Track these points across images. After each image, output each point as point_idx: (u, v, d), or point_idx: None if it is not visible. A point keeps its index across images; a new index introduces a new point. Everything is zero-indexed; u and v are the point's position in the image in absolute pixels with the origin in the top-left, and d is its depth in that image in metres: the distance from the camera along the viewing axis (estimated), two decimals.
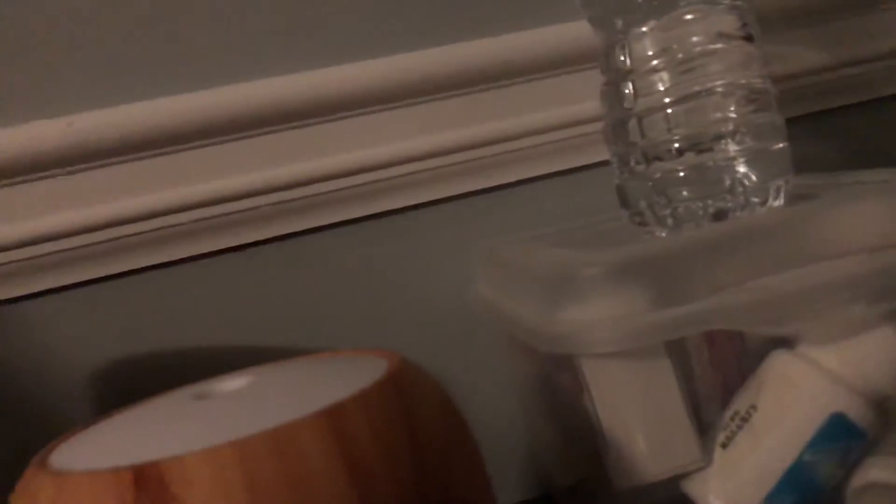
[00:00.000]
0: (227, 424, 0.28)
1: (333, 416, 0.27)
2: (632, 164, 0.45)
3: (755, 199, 0.43)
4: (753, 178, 0.44)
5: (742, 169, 0.44)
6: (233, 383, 0.34)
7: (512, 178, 0.53)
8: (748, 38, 0.44)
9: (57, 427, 0.47)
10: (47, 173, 0.46)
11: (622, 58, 0.44)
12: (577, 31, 0.52)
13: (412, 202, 0.51)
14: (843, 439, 0.36)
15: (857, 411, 0.36)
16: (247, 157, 0.47)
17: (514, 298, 0.44)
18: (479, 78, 0.51)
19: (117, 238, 0.46)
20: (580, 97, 0.53)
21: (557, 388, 0.43)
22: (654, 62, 0.43)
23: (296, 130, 0.48)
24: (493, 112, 0.52)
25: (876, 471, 0.37)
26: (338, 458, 0.26)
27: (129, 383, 0.48)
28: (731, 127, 0.43)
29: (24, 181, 0.46)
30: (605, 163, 0.52)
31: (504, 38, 0.52)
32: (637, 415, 0.38)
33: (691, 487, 0.39)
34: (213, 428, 0.28)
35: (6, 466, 0.39)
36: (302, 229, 0.50)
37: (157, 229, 0.47)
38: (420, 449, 0.29)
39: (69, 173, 0.46)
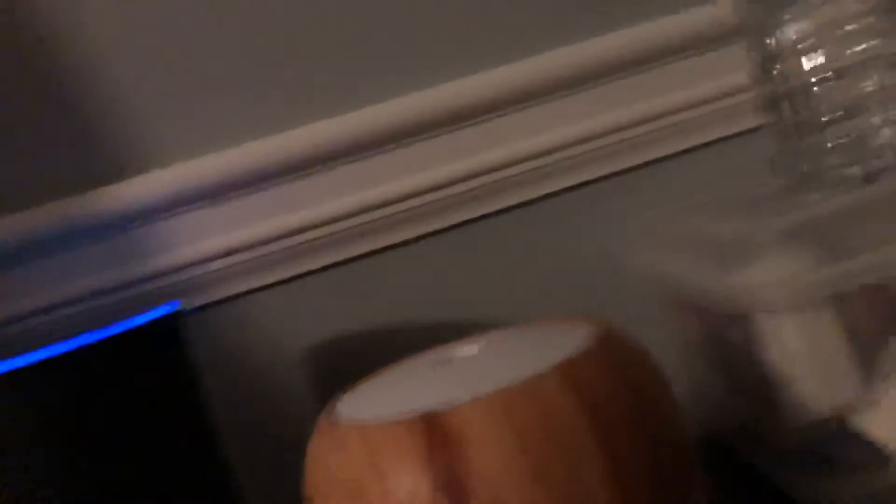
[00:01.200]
0: (479, 379, 0.35)
1: (569, 369, 0.34)
2: (786, 133, 0.50)
3: None
4: None
5: (889, 133, 0.48)
6: (465, 349, 0.41)
7: (670, 151, 0.59)
8: (892, 10, 0.48)
9: (296, 401, 0.56)
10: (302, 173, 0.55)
11: (775, 32, 0.49)
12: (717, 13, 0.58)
13: (585, 179, 0.58)
14: None
15: None
16: (457, 147, 0.55)
17: (684, 264, 0.50)
18: (638, 60, 0.57)
19: (340, 231, 0.55)
20: (729, 70, 0.58)
21: (728, 342, 0.49)
22: (806, 35, 0.48)
23: (487, 123, 0.56)
24: (653, 90, 0.57)
25: None
26: (577, 403, 0.33)
27: (350, 360, 0.57)
28: (878, 95, 0.47)
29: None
30: (754, 130, 0.56)
31: (660, 22, 0.57)
32: (806, 362, 0.43)
33: (856, 422, 0.44)
34: (468, 382, 0.35)
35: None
36: (486, 212, 0.57)
37: (380, 218, 0.56)
38: (636, 392, 0.35)
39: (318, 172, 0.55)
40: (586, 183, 0.59)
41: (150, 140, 0.55)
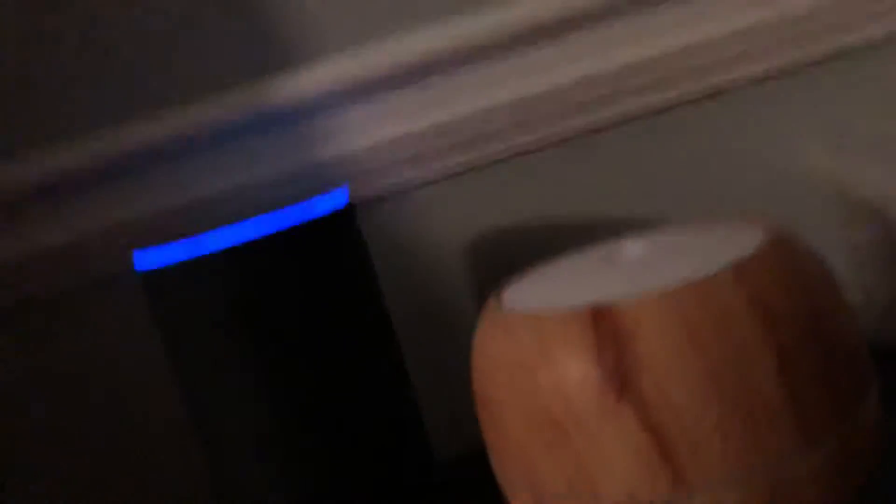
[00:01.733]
0: (648, 276, 0.36)
1: (743, 270, 0.34)
2: None
3: None
4: None
5: None
6: (633, 245, 0.42)
7: (867, 40, 0.55)
8: None
9: (461, 292, 0.59)
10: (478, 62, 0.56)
11: None
12: None
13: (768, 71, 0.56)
14: None
15: None
16: (634, 34, 0.55)
17: (862, 166, 0.48)
18: None
19: (489, 130, 0.56)
20: None
21: None
22: None
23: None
24: None
25: None
26: (750, 304, 0.33)
27: (515, 253, 0.58)
28: None
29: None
30: None
31: None
32: None
33: None
34: (636, 278, 0.36)
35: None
36: (661, 107, 0.56)
37: (531, 115, 0.56)
38: (809, 296, 0.35)
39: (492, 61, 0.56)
40: (770, 78, 0.57)
41: (323, 25, 0.57)
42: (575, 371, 0.34)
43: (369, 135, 0.57)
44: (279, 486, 0.46)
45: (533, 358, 0.35)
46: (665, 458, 0.32)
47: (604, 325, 0.34)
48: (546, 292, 0.39)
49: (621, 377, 0.33)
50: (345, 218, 0.48)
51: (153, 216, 0.59)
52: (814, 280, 0.36)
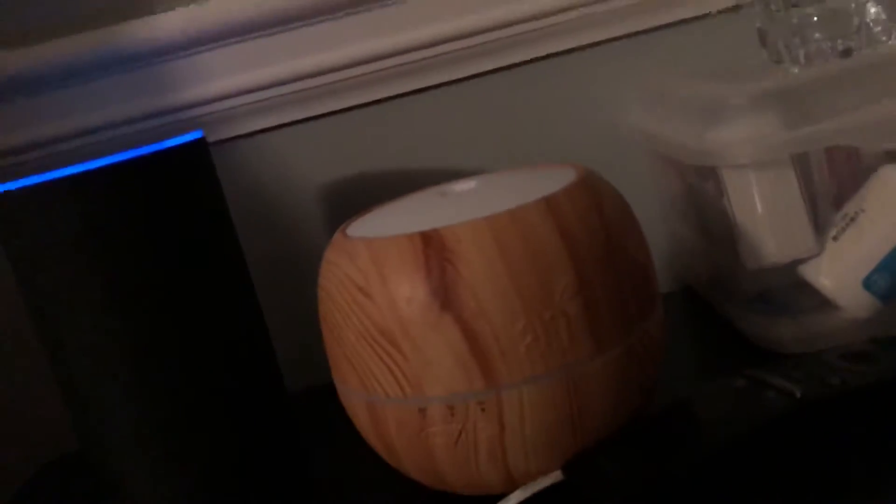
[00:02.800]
0: (474, 208, 0.41)
1: (551, 202, 0.39)
2: (772, 8, 0.53)
3: (883, 38, 0.51)
4: (883, 17, 0.52)
5: (873, 10, 0.52)
6: (464, 185, 0.47)
7: (665, 21, 0.62)
8: None
9: (309, 232, 0.62)
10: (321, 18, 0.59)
11: None
12: None
13: (583, 42, 0.62)
14: None
15: None
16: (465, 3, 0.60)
17: (665, 124, 0.55)
18: None
19: (351, 78, 0.60)
20: None
21: (701, 195, 0.54)
22: None
23: None
24: None
25: None
26: (555, 230, 0.39)
27: (359, 197, 0.63)
28: None
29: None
30: (748, 3, 0.60)
31: None
32: (766, 213, 0.49)
33: (806, 270, 0.50)
34: (463, 210, 0.41)
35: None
36: (490, 68, 0.62)
37: (389, 68, 0.61)
38: (607, 226, 0.41)
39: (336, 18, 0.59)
40: (584, 47, 0.63)
41: None
42: (406, 288, 0.38)
43: (224, 80, 0.60)
44: (131, 411, 0.48)
45: (370, 277, 0.39)
46: (479, 360, 0.38)
47: (431, 247, 0.39)
48: (387, 224, 0.43)
49: (445, 291, 0.38)
50: (196, 151, 0.50)
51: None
52: (613, 214, 0.42)
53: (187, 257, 0.49)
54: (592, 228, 0.40)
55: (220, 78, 0.60)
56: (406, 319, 0.38)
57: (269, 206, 0.63)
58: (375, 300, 0.39)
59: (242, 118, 0.62)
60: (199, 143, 0.51)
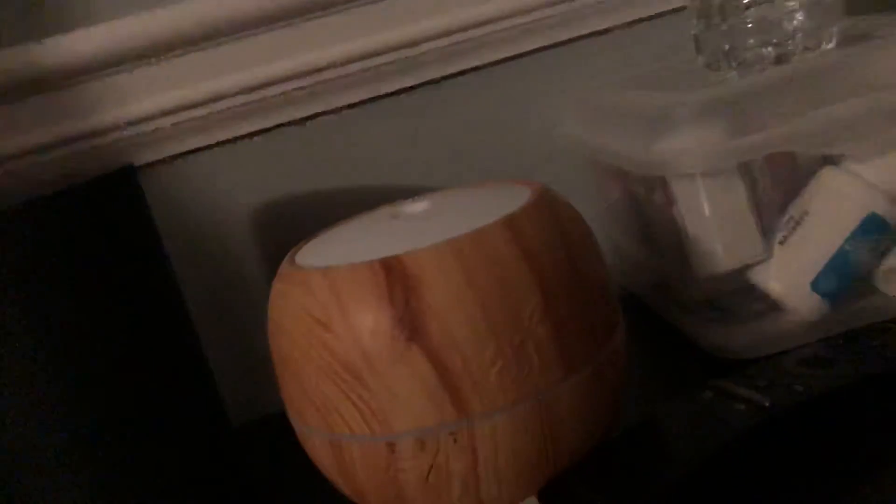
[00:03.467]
0: (431, 231, 0.39)
1: (513, 222, 0.38)
2: (710, 13, 0.54)
3: (811, 44, 0.52)
4: (809, 25, 0.53)
5: (800, 17, 0.52)
6: (417, 206, 0.45)
7: (599, 27, 0.62)
8: None
9: (247, 257, 0.60)
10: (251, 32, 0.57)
11: None
12: None
13: (519, 51, 0.61)
14: (875, 233, 0.47)
15: (888, 211, 0.47)
16: (401, 13, 0.58)
17: (607, 134, 0.55)
18: None
19: (274, 96, 0.58)
20: None
21: (648, 205, 0.54)
22: None
23: None
24: None
25: None
26: (518, 251, 0.38)
27: (300, 218, 0.60)
28: None
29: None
30: (681, 9, 0.60)
31: None
32: (715, 221, 0.49)
33: (755, 275, 0.50)
34: (420, 234, 0.39)
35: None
36: (428, 79, 0.60)
37: (327, 80, 0.59)
38: (569, 244, 0.40)
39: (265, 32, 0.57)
40: (518, 56, 0.62)
41: None
42: (369, 320, 0.37)
43: (148, 101, 0.57)
44: (62, 456, 0.45)
45: (330, 309, 0.38)
46: (450, 390, 0.36)
47: (393, 275, 0.37)
48: (338, 250, 0.41)
49: (410, 321, 0.36)
50: (123, 180, 0.47)
51: None
52: (572, 231, 0.41)
53: (118, 293, 0.46)
54: (554, 247, 0.39)
55: (142, 99, 0.57)
56: (371, 353, 0.37)
57: (204, 233, 0.60)
58: (337, 333, 0.37)
59: (168, 140, 0.59)
60: (126, 171, 0.48)
